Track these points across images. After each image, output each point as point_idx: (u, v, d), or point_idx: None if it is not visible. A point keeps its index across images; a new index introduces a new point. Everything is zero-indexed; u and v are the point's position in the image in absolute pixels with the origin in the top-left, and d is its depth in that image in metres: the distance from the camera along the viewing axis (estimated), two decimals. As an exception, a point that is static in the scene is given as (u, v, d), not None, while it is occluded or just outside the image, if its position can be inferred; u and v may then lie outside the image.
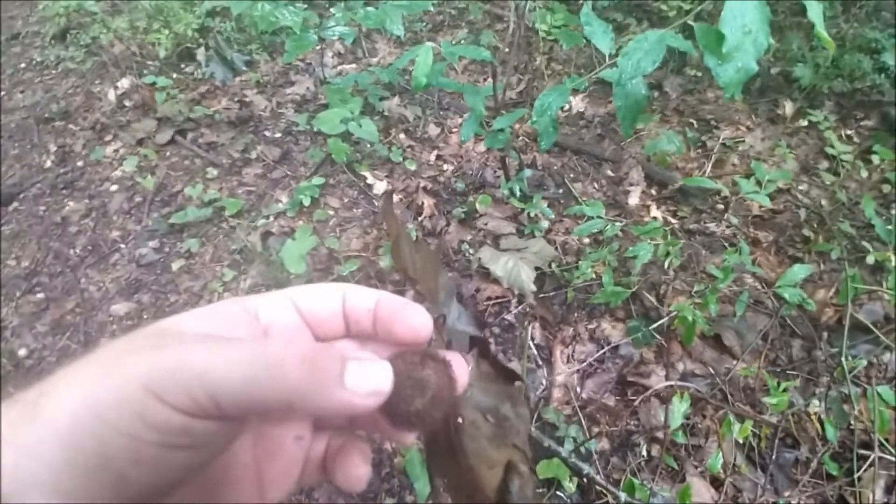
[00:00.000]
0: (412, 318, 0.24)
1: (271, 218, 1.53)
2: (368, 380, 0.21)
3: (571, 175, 1.65)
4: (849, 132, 1.77)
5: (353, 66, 2.07)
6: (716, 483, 1.00)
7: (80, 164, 1.82)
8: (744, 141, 1.73)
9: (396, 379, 0.21)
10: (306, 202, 1.49)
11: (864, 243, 1.27)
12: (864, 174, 1.57)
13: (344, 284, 0.26)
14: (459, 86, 1.15)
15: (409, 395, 0.21)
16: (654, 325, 1.12)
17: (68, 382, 0.18)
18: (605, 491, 0.92)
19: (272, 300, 0.25)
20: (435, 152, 1.72)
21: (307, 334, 0.25)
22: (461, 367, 0.23)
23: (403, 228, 0.25)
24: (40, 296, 1.49)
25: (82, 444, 0.17)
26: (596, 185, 1.63)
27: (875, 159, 1.54)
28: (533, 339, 1.22)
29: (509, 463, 0.24)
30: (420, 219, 1.48)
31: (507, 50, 1.86)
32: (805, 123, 1.79)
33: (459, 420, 0.24)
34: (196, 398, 0.18)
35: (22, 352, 1.35)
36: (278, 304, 0.25)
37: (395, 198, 1.55)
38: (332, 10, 1.23)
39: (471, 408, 0.24)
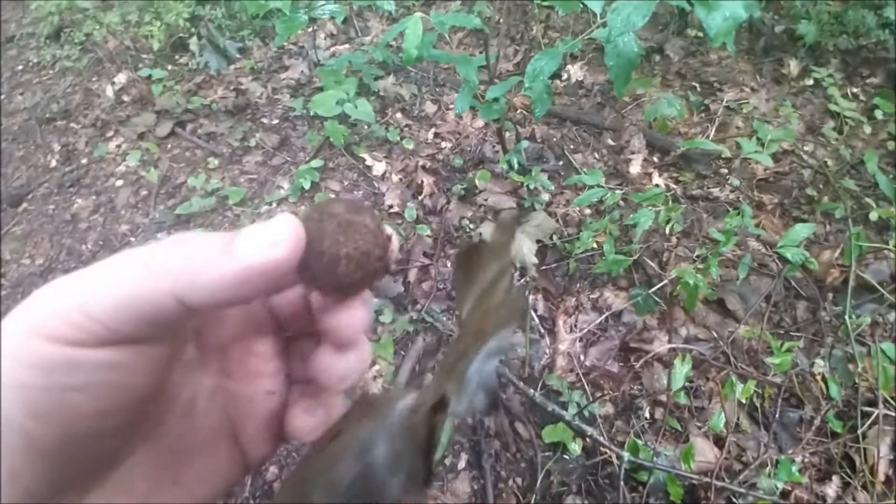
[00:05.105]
0: None
1: (274, 204, 1.54)
2: (264, 232, 0.17)
3: (571, 146, 1.64)
4: (854, 90, 1.72)
5: (347, 46, 2.04)
6: (719, 443, 1.02)
7: (84, 161, 1.85)
8: (748, 102, 1.69)
9: (323, 224, 0.19)
10: (307, 185, 1.50)
11: (869, 200, 1.25)
12: (868, 130, 1.54)
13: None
14: (451, 56, 1.14)
15: (342, 237, 0.18)
16: (656, 288, 1.12)
17: None
18: (608, 452, 0.94)
19: None
20: (432, 130, 1.71)
21: None
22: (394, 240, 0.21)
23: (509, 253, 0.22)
24: (56, 291, 1.54)
25: None
26: (597, 155, 1.62)
27: (879, 115, 1.51)
28: (536, 310, 1.23)
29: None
30: (420, 198, 1.49)
31: (500, 20, 1.83)
32: (810, 82, 1.74)
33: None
34: (73, 321, 0.16)
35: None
36: None
37: (395, 178, 1.55)
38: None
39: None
